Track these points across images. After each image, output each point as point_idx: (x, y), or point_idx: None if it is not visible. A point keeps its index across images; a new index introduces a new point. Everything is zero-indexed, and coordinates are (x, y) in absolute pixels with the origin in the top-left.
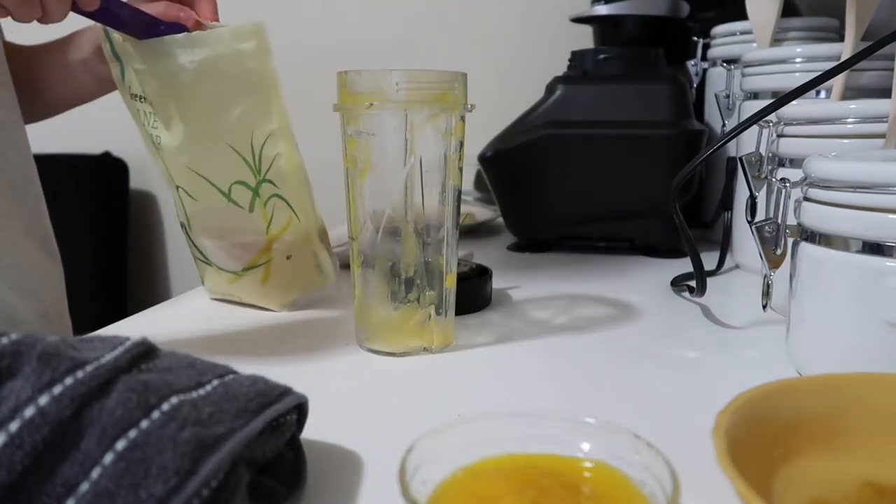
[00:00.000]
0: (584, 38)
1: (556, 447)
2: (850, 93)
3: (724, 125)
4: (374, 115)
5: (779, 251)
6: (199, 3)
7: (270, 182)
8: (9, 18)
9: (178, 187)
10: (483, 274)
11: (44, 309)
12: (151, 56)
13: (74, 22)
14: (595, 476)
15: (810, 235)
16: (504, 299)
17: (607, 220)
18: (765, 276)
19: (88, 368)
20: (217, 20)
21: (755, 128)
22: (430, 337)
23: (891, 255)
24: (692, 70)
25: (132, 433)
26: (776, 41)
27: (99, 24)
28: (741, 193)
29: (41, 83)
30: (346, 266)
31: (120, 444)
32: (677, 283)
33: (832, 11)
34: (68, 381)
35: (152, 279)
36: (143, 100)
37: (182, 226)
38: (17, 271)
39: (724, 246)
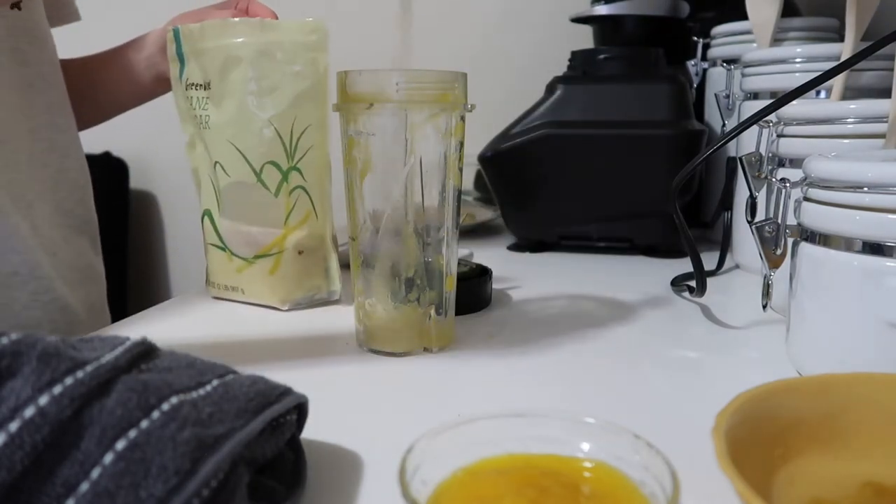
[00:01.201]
0: (584, 38)
1: (556, 447)
2: (850, 93)
3: (724, 125)
4: (374, 115)
5: (779, 251)
6: (256, 9)
7: (299, 172)
8: (62, 31)
9: (215, 164)
10: (483, 274)
11: (91, 301)
12: (222, 34)
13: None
14: (595, 476)
15: (810, 235)
16: (504, 299)
17: (607, 220)
18: (765, 276)
19: (88, 368)
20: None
21: (755, 128)
22: (430, 337)
23: (891, 255)
24: (692, 70)
25: (132, 433)
26: (776, 41)
27: (166, 27)
28: (741, 193)
29: (99, 87)
30: (346, 266)
31: (120, 444)
32: (677, 283)
33: (832, 11)
34: (68, 381)
35: (152, 279)
36: (198, 87)
37: (205, 215)
38: (69, 266)
39: (724, 246)
